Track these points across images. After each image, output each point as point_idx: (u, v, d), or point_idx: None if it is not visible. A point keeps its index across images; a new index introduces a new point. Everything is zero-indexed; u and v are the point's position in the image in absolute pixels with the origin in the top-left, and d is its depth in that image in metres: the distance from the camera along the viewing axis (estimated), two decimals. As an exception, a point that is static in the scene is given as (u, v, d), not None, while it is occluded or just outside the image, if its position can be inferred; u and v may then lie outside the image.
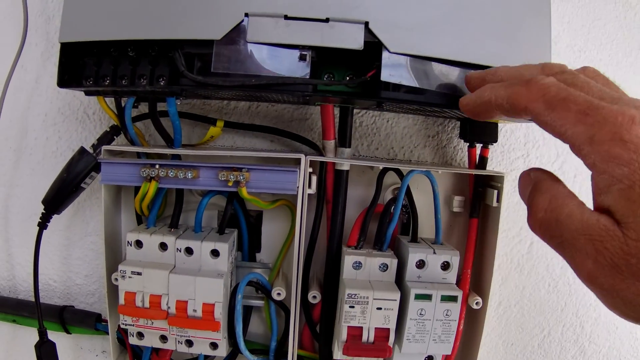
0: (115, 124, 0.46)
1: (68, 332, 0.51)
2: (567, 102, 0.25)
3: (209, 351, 0.45)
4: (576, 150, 0.24)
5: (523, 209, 0.51)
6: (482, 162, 0.47)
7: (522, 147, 0.50)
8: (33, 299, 0.52)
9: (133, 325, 0.44)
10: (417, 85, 0.40)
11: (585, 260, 0.23)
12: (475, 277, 0.48)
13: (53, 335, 0.49)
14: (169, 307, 0.42)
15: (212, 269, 0.43)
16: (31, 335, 0.54)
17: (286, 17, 0.38)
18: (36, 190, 0.51)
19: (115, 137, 0.47)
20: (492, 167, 0.50)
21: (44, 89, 0.51)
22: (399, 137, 0.49)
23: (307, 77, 0.39)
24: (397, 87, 0.39)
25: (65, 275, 0.52)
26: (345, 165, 0.45)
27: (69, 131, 0.50)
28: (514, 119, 0.30)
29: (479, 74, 0.35)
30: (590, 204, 0.25)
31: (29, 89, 0.51)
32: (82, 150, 0.46)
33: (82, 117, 0.50)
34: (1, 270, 0.53)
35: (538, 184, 0.28)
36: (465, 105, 0.33)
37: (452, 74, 0.41)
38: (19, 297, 0.53)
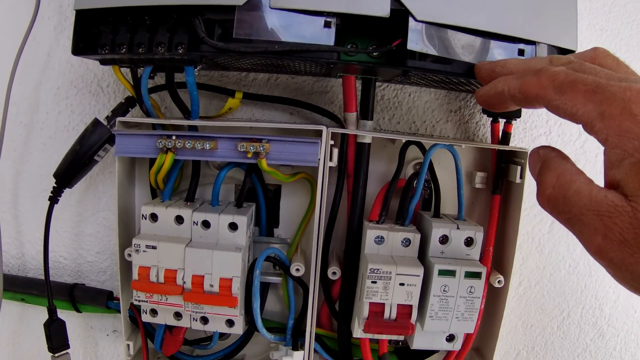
0: (130, 95, 0.45)
1: (78, 310, 0.49)
2: (576, 84, 0.25)
3: (224, 329, 0.43)
4: (589, 128, 0.25)
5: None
6: (505, 138, 0.45)
7: (544, 125, 0.49)
8: (42, 277, 0.50)
9: (146, 301, 0.42)
10: (444, 55, 0.38)
11: (594, 235, 0.23)
12: (497, 255, 0.46)
13: (63, 315, 0.47)
14: (184, 282, 0.41)
15: (229, 242, 0.42)
16: (40, 314, 0.52)
17: (311, -18, 0.36)
18: (47, 166, 0.50)
19: (130, 109, 0.45)
20: (515, 144, 0.49)
21: (57, 63, 0.49)
22: (421, 112, 0.48)
23: (332, 44, 0.37)
24: (423, 56, 0.38)
25: (76, 252, 0.50)
26: (367, 138, 0.43)
27: (82, 104, 0.49)
28: (527, 107, 0.31)
29: (488, 63, 0.36)
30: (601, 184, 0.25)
31: (40, 63, 0.49)
32: (95, 122, 0.44)
33: (96, 90, 0.48)
34: (10, 248, 0.51)
35: (546, 162, 0.28)
36: (481, 97, 0.33)
37: (479, 44, 0.39)
38: (28, 275, 0.52)
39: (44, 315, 0.46)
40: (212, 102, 0.47)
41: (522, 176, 0.44)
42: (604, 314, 0.52)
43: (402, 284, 0.41)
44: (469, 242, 0.43)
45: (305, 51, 0.37)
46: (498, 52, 0.39)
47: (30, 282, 0.50)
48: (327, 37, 0.37)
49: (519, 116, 0.45)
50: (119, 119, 0.43)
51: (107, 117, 0.44)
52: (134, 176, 0.47)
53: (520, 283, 0.51)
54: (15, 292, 0.50)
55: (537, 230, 0.50)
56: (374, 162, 0.46)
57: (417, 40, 0.37)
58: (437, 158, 0.46)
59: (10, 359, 0.54)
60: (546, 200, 0.26)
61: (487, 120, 0.47)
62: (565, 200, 0.25)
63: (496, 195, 0.46)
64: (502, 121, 0.45)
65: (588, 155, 0.50)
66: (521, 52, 0.39)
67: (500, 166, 0.46)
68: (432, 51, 0.38)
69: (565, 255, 0.50)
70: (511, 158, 0.46)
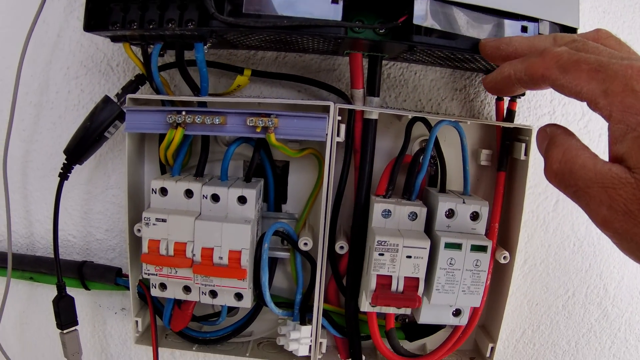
0: (140, 73, 0.47)
1: (87, 288, 0.51)
2: (579, 63, 0.27)
3: (233, 302, 0.45)
4: (593, 105, 0.26)
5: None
6: (510, 116, 0.47)
7: (548, 104, 0.51)
8: (51, 256, 0.52)
9: (156, 274, 0.44)
10: (448, 30, 0.40)
11: (599, 207, 0.25)
12: (502, 231, 0.48)
13: (71, 293, 0.49)
14: (194, 255, 0.42)
15: (238, 215, 0.43)
16: (48, 293, 0.54)
17: (318, -44, 0.38)
18: (57, 145, 0.51)
19: (140, 86, 0.47)
20: (519, 122, 0.51)
21: (66, 43, 0.51)
22: (427, 90, 0.50)
23: (340, 20, 0.39)
24: (429, 32, 0.39)
25: (85, 230, 0.52)
26: (373, 114, 0.45)
27: (92, 84, 0.51)
28: (534, 89, 0.33)
29: (493, 41, 0.37)
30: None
31: (50, 43, 0.51)
32: (106, 99, 0.46)
33: (106, 69, 0.50)
34: (19, 227, 0.53)
35: (553, 138, 0.30)
36: (488, 83, 0.35)
37: (482, 21, 0.41)
38: (36, 254, 0.53)
39: (53, 294, 0.48)
40: (220, 79, 0.49)
41: (526, 153, 0.46)
42: (608, 294, 0.54)
43: (409, 257, 0.42)
44: (474, 216, 0.44)
45: (314, 26, 0.39)
46: (501, 28, 0.41)
47: (38, 261, 0.52)
48: (334, 13, 0.39)
49: (524, 94, 0.47)
50: (129, 95, 0.45)
51: (117, 95, 0.46)
52: (143, 153, 0.49)
53: (525, 261, 0.52)
54: (24, 270, 0.52)
55: (542, 208, 0.51)
56: (381, 138, 0.47)
57: (422, 16, 0.39)
58: (443, 135, 0.47)
59: (18, 337, 0.56)
60: (553, 175, 0.28)
61: (492, 99, 0.49)
62: (571, 174, 0.27)
63: (501, 172, 0.48)
64: (506, 99, 0.47)
65: (592, 135, 0.51)
66: (524, 29, 0.41)
67: (505, 143, 0.47)
68: (437, 26, 0.40)
69: (570, 234, 0.52)
70: (516, 135, 0.47)
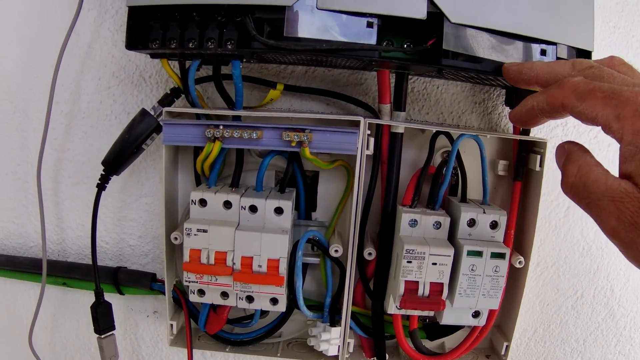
0: (176, 86, 0.51)
1: (121, 293, 0.56)
2: (594, 91, 0.32)
3: (268, 306, 0.50)
4: (607, 129, 0.31)
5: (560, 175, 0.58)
6: (526, 129, 0.53)
7: (561, 116, 0.57)
8: (83, 262, 0.57)
9: (196, 282, 0.49)
10: (474, 54, 0.46)
11: (608, 218, 0.29)
12: (518, 237, 0.54)
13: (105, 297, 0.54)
14: (234, 263, 0.48)
15: (275, 225, 0.49)
16: (80, 297, 0.59)
17: (355, -15, 0.43)
18: (89, 154, 0.56)
19: (175, 99, 0.52)
20: (534, 134, 0.57)
21: (97, 54, 0.55)
22: (448, 103, 0.55)
23: (374, 43, 0.45)
24: (456, 55, 0.45)
25: (118, 236, 0.57)
26: (400, 128, 0.51)
27: (124, 95, 0.55)
28: (555, 118, 0.38)
29: (516, 65, 0.42)
30: (615, 173, 0.31)
31: (81, 54, 0.55)
32: (143, 112, 0.51)
33: (138, 80, 0.55)
34: (51, 234, 0.58)
35: (570, 154, 0.35)
36: (515, 116, 0.40)
37: (506, 45, 0.47)
38: (68, 259, 0.58)
39: (86, 298, 0.53)
40: (252, 92, 0.54)
41: (541, 164, 0.52)
42: (614, 295, 0.61)
43: (434, 264, 0.48)
44: (493, 225, 0.50)
45: (350, 49, 0.44)
46: (522, 51, 0.47)
47: (71, 267, 0.57)
48: (369, 37, 0.44)
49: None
50: (166, 109, 0.50)
51: (153, 107, 0.51)
52: (177, 163, 0.54)
53: (538, 264, 0.59)
54: (57, 276, 0.57)
55: (554, 215, 0.58)
56: (406, 149, 0.53)
57: (451, 41, 0.45)
58: (464, 147, 0.53)
59: (49, 341, 0.61)
60: (569, 187, 0.33)
61: (509, 112, 0.55)
62: (585, 187, 0.31)
63: (517, 182, 0.54)
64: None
65: (601, 145, 0.58)
66: (543, 52, 0.47)
67: (521, 155, 0.53)
68: (463, 51, 0.45)
69: (580, 239, 0.59)
70: (531, 147, 0.53)
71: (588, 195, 0.31)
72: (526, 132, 0.53)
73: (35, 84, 0.56)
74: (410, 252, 0.48)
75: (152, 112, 0.51)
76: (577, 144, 0.36)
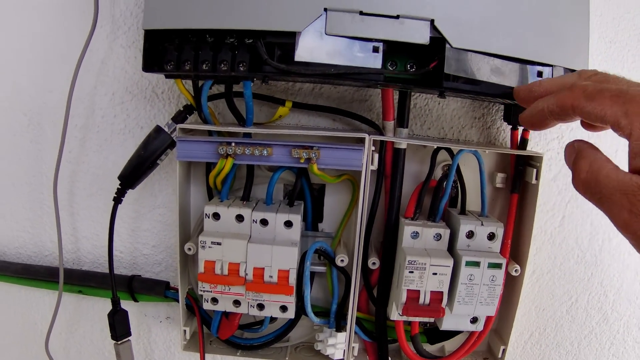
0: (188, 104, 0.56)
1: (136, 300, 0.61)
2: (603, 92, 0.35)
3: (278, 313, 0.56)
4: (615, 126, 0.34)
5: (557, 186, 0.63)
6: (523, 143, 0.58)
7: (557, 129, 0.62)
8: (98, 270, 0.63)
9: (210, 291, 0.54)
10: (474, 77, 0.51)
11: (621, 211, 0.32)
12: (514, 246, 0.60)
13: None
14: (246, 274, 0.53)
15: (285, 238, 0.54)
16: (94, 304, 0.65)
17: (361, 13, 0.48)
18: (103, 167, 0.61)
19: (188, 116, 0.57)
20: (530, 147, 0.62)
21: (111, 69, 0.60)
22: (449, 119, 0.61)
23: (380, 67, 0.50)
24: (456, 78, 0.50)
25: (132, 246, 0.63)
26: (403, 144, 0.56)
27: (137, 109, 0.60)
28: (564, 121, 0.41)
29: (525, 86, 0.47)
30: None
31: (94, 69, 0.60)
32: (158, 129, 0.56)
33: (151, 96, 0.60)
34: (66, 243, 0.63)
35: (580, 152, 0.37)
36: (524, 119, 0.44)
37: (505, 68, 0.52)
38: (82, 268, 0.64)
39: (98, 305, 0.58)
40: (262, 108, 0.59)
41: (537, 177, 0.57)
42: (608, 300, 0.67)
43: (435, 274, 0.54)
44: (491, 236, 0.56)
45: (357, 73, 0.49)
46: (519, 74, 0.52)
47: (87, 275, 0.62)
48: (374, 61, 0.50)
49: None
50: (179, 126, 0.55)
51: (167, 124, 0.56)
52: (189, 176, 0.59)
53: (534, 271, 0.64)
54: (73, 284, 0.62)
55: (550, 224, 0.63)
56: (408, 163, 0.58)
57: (452, 65, 0.50)
58: (463, 160, 0.58)
59: (63, 346, 0.67)
60: (581, 183, 0.36)
61: (507, 127, 0.60)
62: (597, 183, 0.34)
63: (514, 194, 0.59)
64: (520, 128, 0.58)
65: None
66: (540, 74, 0.52)
67: (518, 168, 0.59)
68: (464, 74, 0.50)
69: (574, 247, 0.64)
70: (528, 161, 0.58)
71: (600, 190, 0.34)
72: (523, 146, 0.58)
73: (49, 98, 0.61)
74: (412, 263, 0.53)
75: (166, 129, 0.56)
76: (587, 142, 0.38)
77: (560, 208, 0.63)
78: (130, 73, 0.60)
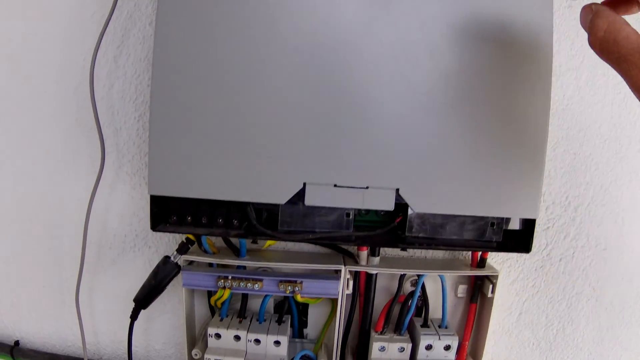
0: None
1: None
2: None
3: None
4: None
5: (515, 289, 0.76)
6: (482, 262, 0.70)
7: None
8: None
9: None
10: (434, 235, 0.62)
11: (639, 73, 0.33)
12: (473, 346, 0.73)
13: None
14: (244, 386, 0.68)
15: (275, 354, 0.68)
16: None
17: (335, 186, 0.59)
18: (117, 278, 0.74)
19: (190, 246, 0.69)
20: (492, 257, 0.74)
21: (119, 195, 0.72)
22: (417, 242, 0.73)
23: (350, 230, 0.62)
24: (417, 237, 0.62)
25: (145, 342, 0.77)
26: (374, 271, 0.69)
27: (145, 231, 0.72)
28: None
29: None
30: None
31: (105, 195, 0.72)
32: (165, 260, 0.68)
33: (157, 222, 0.72)
34: (89, 336, 0.77)
35: (598, 12, 0.38)
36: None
37: (464, 224, 0.63)
38: (102, 358, 0.79)
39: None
40: (252, 236, 0.72)
41: (493, 291, 0.70)
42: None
43: (399, 382, 0.68)
44: (447, 347, 0.70)
45: (332, 237, 0.61)
46: (474, 228, 0.63)
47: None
48: (347, 225, 0.62)
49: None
50: (184, 257, 0.67)
51: (173, 255, 0.69)
52: (193, 293, 0.73)
53: (491, 359, 0.79)
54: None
55: (507, 320, 0.77)
56: (381, 281, 0.71)
57: (413, 226, 0.62)
58: (429, 276, 0.71)
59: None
60: (597, 42, 0.36)
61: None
62: (615, 43, 0.35)
63: (473, 304, 0.72)
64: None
65: (553, 261, 0.75)
66: (493, 224, 0.64)
67: (477, 282, 0.72)
68: (424, 234, 0.62)
69: (530, 337, 0.77)
70: (486, 277, 0.71)
71: (618, 50, 0.35)
72: (482, 264, 0.70)
73: (66, 214, 0.73)
74: (380, 375, 0.67)
75: (172, 259, 0.68)
76: (605, 6, 0.39)
77: (518, 306, 0.76)
78: (137, 199, 0.72)
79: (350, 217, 0.62)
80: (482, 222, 0.63)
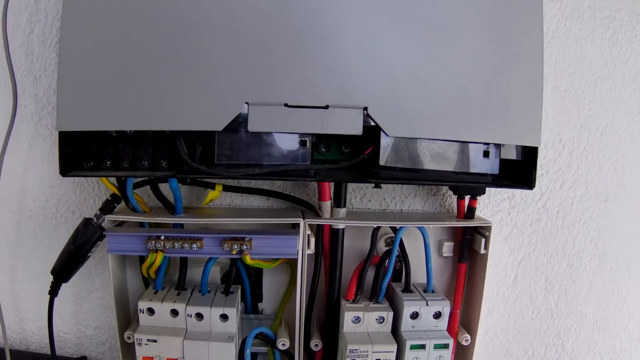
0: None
1: (84, 381, 0.59)
2: None
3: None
4: None
5: (508, 247, 0.60)
6: (471, 212, 0.54)
7: (508, 190, 0.58)
8: (44, 351, 0.61)
9: (153, 385, 0.52)
10: (414, 167, 0.46)
11: None
12: (465, 314, 0.57)
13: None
14: (185, 368, 0.51)
15: (222, 331, 0.51)
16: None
17: (286, 105, 0.43)
18: (39, 250, 0.58)
19: (116, 204, 0.53)
20: (479, 209, 0.58)
21: (38, 153, 0.56)
22: (390, 188, 0.56)
23: (308, 162, 0.45)
24: (394, 167, 0.46)
25: (75, 327, 0.60)
26: (341, 225, 0.52)
27: (68, 193, 0.57)
28: None
29: None
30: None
31: (23, 153, 0.56)
32: (86, 222, 0.52)
33: (80, 179, 0.56)
34: (11, 324, 0.60)
35: None
36: None
37: (447, 152, 0.47)
38: (29, 348, 0.61)
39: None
40: (192, 189, 0.55)
41: (486, 247, 0.54)
42: (566, 350, 0.64)
43: (378, 359, 0.51)
44: (437, 315, 0.53)
45: (284, 172, 0.45)
46: (463, 158, 0.47)
47: (34, 357, 0.60)
48: (303, 156, 0.46)
49: (484, 192, 0.54)
50: (108, 217, 0.51)
51: (95, 215, 0.52)
52: (124, 263, 0.56)
53: (486, 332, 0.62)
54: (21, 365, 0.60)
55: (502, 285, 0.60)
56: (349, 239, 0.55)
57: (388, 155, 0.46)
58: (407, 232, 0.54)
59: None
60: None
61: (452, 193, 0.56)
62: None
63: (462, 264, 0.56)
64: (467, 197, 0.54)
65: (550, 213, 0.59)
66: (486, 154, 0.48)
67: (465, 237, 0.55)
68: (402, 164, 0.46)
69: (529, 304, 0.61)
70: (476, 229, 0.55)
71: None
72: (471, 215, 0.54)
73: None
74: (354, 351, 0.50)
75: (95, 221, 0.52)
76: None
77: (513, 267, 0.60)
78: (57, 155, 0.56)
79: (307, 145, 0.46)
80: (474, 150, 0.47)
